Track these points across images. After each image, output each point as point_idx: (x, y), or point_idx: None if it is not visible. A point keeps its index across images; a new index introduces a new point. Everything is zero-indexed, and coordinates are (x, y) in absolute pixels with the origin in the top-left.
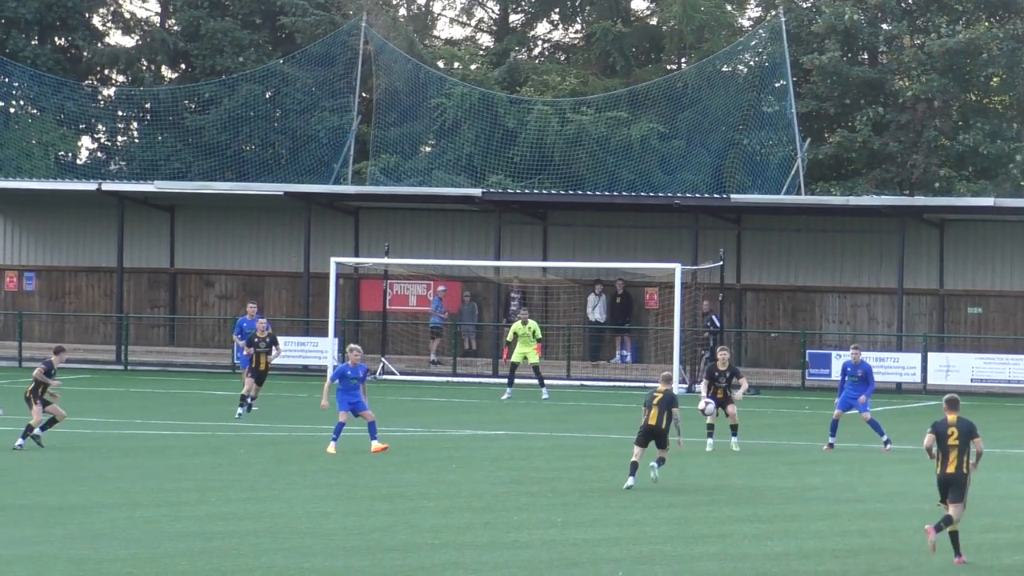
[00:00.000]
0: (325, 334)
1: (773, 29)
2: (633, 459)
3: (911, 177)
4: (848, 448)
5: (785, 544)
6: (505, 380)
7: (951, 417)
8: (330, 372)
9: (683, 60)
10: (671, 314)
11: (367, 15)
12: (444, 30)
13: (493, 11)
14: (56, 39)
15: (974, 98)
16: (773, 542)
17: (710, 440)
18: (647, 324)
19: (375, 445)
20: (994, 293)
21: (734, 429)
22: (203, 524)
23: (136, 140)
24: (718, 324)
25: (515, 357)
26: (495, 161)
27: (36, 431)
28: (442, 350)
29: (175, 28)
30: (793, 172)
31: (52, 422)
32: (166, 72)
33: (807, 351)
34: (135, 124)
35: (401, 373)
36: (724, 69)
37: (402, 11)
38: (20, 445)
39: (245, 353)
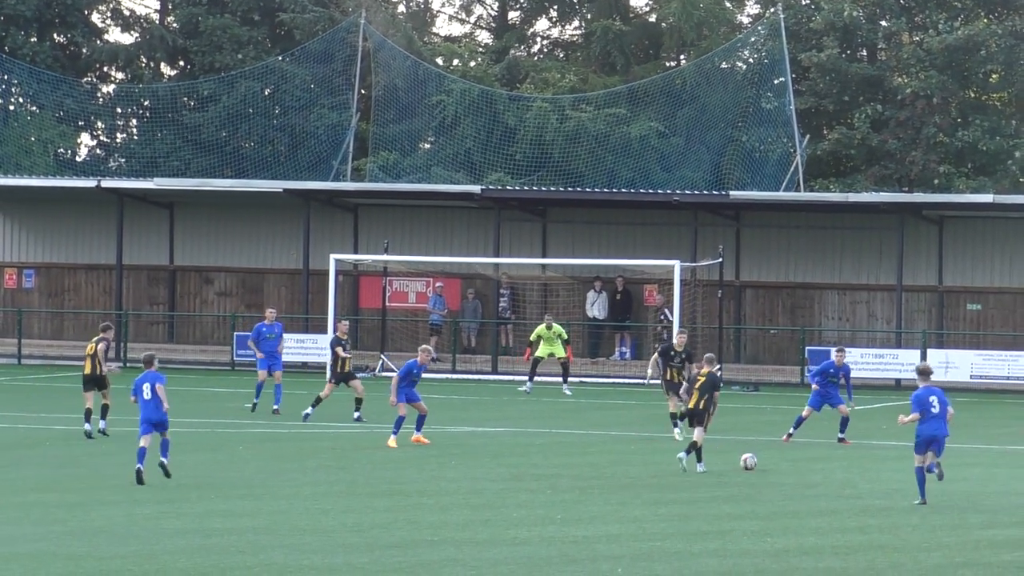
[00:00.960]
0: (324, 331)
1: (772, 26)
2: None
3: (910, 174)
4: (848, 445)
5: (785, 541)
6: (526, 376)
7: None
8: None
9: (682, 57)
10: (670, 311)
11: (366, 12)
12: (443, 27)
13: (492, 8)
14: (55, 36)
15: (973, 95)
16: (773, 539)
17: (676, 429)
18: (646, 321)
19: (416, 436)
20: (993, 290)
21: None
22: (202, 521)
23: (135, 137)
24: (670, 319)
25: (540, 352)
26: (494, 158)
27: (101, 424)
28: (439, 347)
29: (174, 25)
30: (792, 169)
31: (106, 408)
32: (165, 69)
33: (806, 348)
34: (134, 121)
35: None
36: (723, 66)
37: (401, 8)
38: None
39: (260, 353)
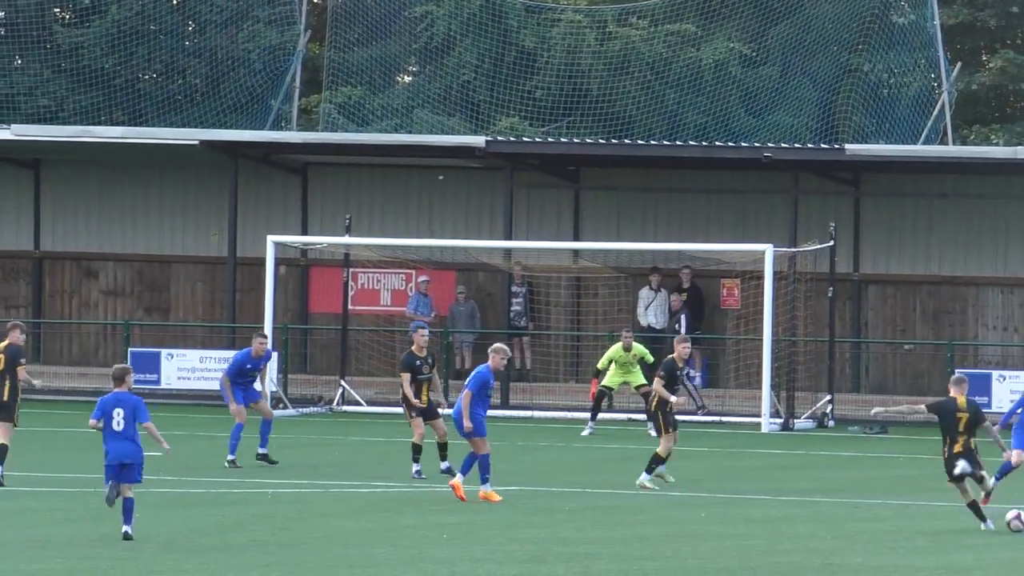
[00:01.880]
0: None
1: None
2: None
3: None
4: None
5: None
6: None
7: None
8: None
9: None
10: (758, 317)
11: None
12: None
13: None
14: None
15: None
16: None
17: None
18: (724, 331)
19: (484, 490)
20: None
21: (653, 463)
22: None
23: None
24: (684, 327)
25: (609, 380)
26: (505, 96)
27: None
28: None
29: None
30: (936, 112)
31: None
32: None
33: (956, 370)
34: None
35: (368, 403)
36: None
37: None
38: None
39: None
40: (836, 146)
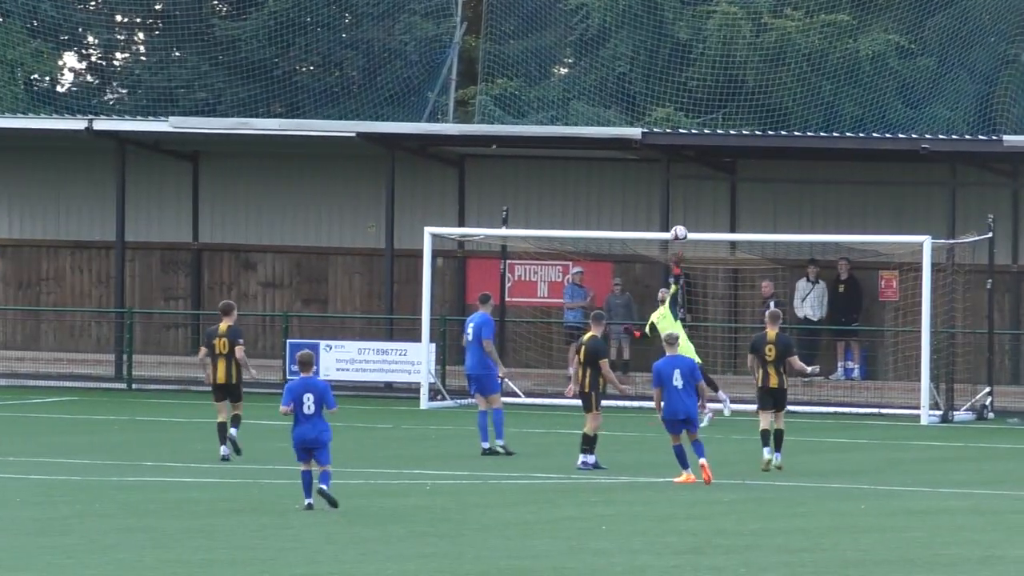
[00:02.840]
0: (416, 338)
1: None
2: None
3: None
4: None
5: None
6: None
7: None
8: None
9: None
10: (917, 309)
11: None
12: None
13: None
14: None
15: None
16: None
17: (766, 449)
18: (883, 324)
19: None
20: None
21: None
22: None
23: (142, 58)
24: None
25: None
26: (660, 88)
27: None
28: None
29: None
30: None
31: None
32: None
33: None
34: (141, 35)
35: (526, 394)
36: None
37: None
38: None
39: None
40: (994, 137)
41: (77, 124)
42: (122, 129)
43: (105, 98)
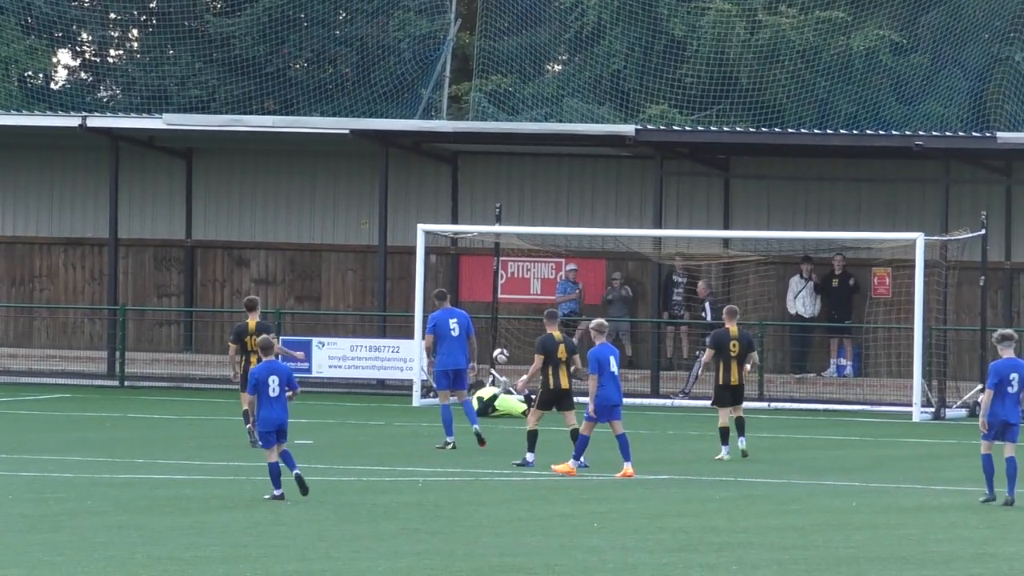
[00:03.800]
0: (408, 335)
1: None
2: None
3: None
4: None
5: None
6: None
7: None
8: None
9: None
10: (909, 306)
11: None
12: None
13: None
14: None
15: None
16: None
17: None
18: (875, 321)
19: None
20: None
21: (741, 425)
22: None
23: (136, 56)
24: (709, 317)
25: None
26: (655, 85)
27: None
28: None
29: None
30: None
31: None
32: None
33: None
34: (135, 32)
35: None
36: None
37: None
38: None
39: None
40: (987, 134)
41: (71, 121)
42: (116, 126)
43: (99, 95)
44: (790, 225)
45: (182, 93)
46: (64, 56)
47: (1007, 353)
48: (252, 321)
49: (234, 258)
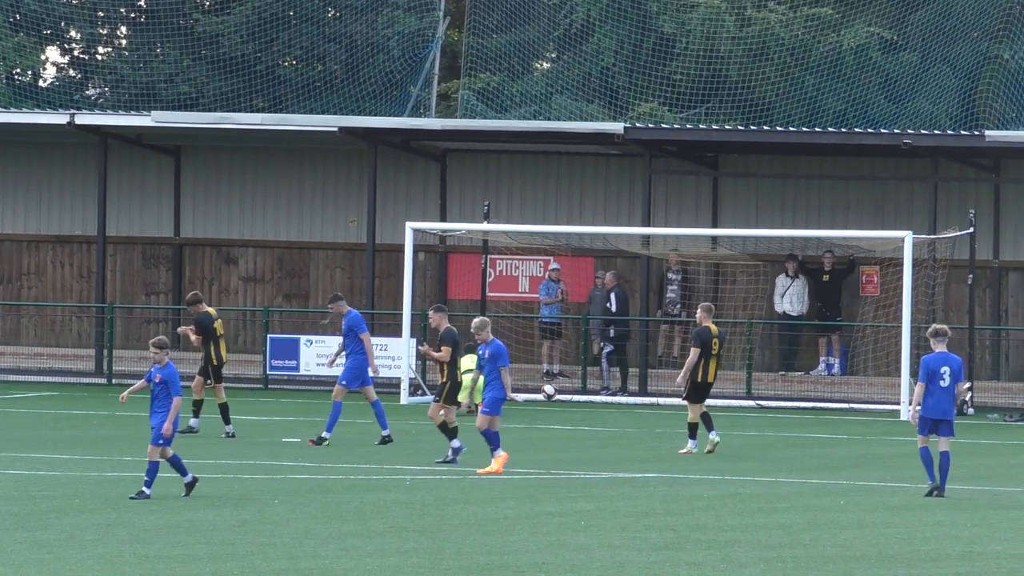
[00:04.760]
0: (396, 333)
1: None
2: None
3: None
4: None
5: None
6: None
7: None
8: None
9: None
10: (897, 305)
11: None
12: None
13: None
14: None
15: None
16: None
17: (712, 434)
18: (864, 319)
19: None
20: None
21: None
22: None
23: (125, 53)
24: (614, 308)
25: None
26: (644, 82)
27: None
28: (565, 357)
29: None
30: None
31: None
32: None
33: None
34: (123, 29)
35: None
36: None
37: None
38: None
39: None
40: (976, 132)
41: (59, 118)
42: (104, 124)
43: (87, 92)
44: (778, 223)
45: (170, 90)
46: (53, 53)
47: (939, 347)
48: (211, 308)
49: (222, 256)
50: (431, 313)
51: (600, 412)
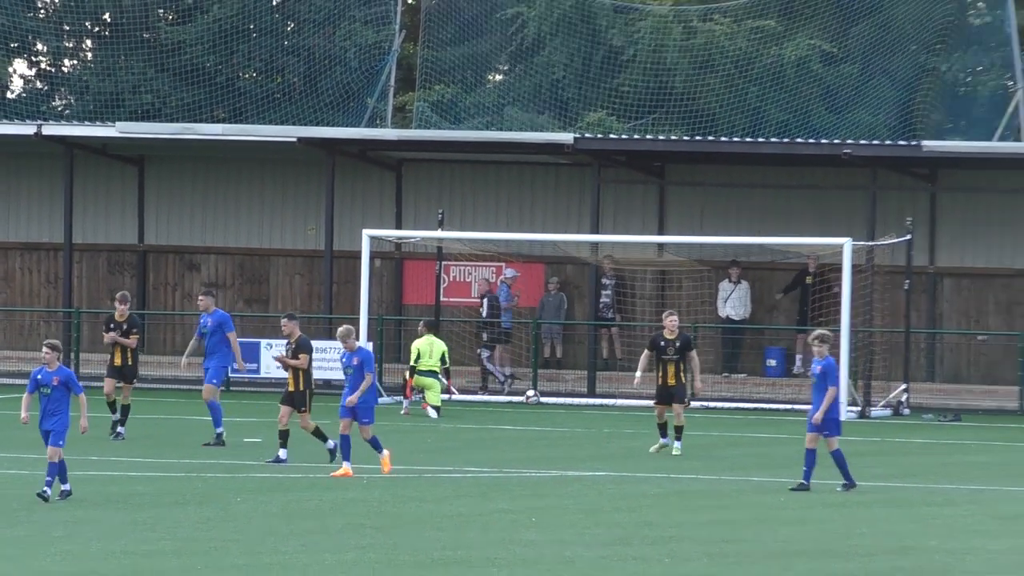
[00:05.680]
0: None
1: None
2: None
3: None
4: None
5: None
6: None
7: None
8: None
9: None
10: (836, 309)
11: None
12: None
13: None
14: None
15: None
16: None
17: (663, 440)
18: (803, 323)
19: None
20: None
21: (678, 431)
22: None
23: (90, 65)
24: (485, 314)
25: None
26: (593, 93)
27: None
28: (514, 361)
29: None
30: (1011, 110)
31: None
32: None
33: None
34: (88, 42)
35: (460, 391)
36: None
37: None
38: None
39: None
40: (913, 143)
41: (26, 129)
42: (70, 134)
43: (54, 104)
44: (723, 231)
45: (134, 100)
46: (20, 66)
47: (821, 352)
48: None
49: (185, 262)
50: (284, 321)
51: (554, 414)
